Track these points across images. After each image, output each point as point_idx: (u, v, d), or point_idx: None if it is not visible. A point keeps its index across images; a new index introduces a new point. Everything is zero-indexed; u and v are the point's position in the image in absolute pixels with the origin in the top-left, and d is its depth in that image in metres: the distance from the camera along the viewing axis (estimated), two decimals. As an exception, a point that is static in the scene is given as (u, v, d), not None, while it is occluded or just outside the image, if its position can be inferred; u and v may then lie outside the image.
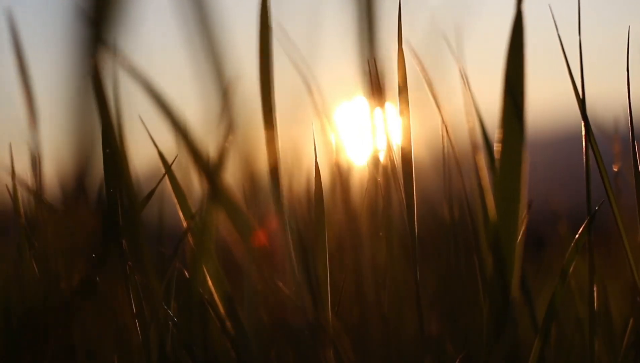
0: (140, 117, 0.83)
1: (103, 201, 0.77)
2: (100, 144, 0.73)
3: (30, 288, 0.84)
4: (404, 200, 0.75)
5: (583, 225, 0.79)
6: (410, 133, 0.75)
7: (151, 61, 0.66)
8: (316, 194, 0.79)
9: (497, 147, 0.68)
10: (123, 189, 0.75)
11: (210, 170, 0.63)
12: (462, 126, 0.78)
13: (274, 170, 0.72)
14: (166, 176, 0.83)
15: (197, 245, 0.80)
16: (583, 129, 0.79)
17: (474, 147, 0.75)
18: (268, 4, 0.72)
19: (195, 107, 0.59)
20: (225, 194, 0.65)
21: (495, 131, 0.69)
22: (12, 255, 0.88)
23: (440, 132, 0.81)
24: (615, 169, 0.93)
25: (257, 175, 0.61)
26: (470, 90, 0.82)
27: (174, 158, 0.83)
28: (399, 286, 0.76)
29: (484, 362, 0.71)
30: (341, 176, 0.75)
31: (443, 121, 0.80)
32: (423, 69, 0.79)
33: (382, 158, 0.76)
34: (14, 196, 0.87)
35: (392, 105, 0.74)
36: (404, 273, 0.76)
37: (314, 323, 0.72)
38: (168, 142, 0.83)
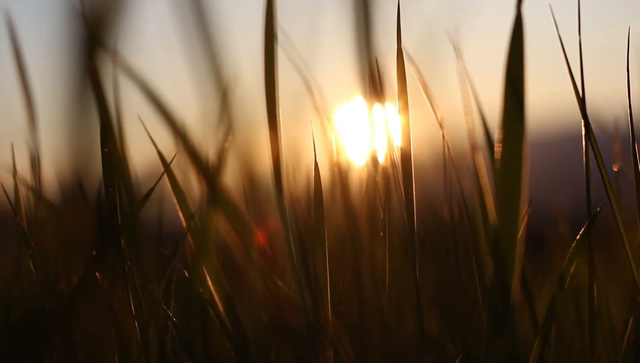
0: (139, 117, 0.83)
1: (102, 200, 0.77)
2: (99, 144, 0.73)
3: (30, 288, 0.84)
4: (404, 200, 0.75)
5: (584, 227, 0.79)
6: (409, 133, 0.75)
7: (150, 62, 0.66)
8: (316, 194, 0.79)
9: (497, 147, 0.68)
10: (122, 188, 0.75)
11: (209, 172, 0.63)
12: (462, 125, 0.78)
13: (277, 170, 0.72)
14: (166, 176, 0.83)
15: (197, 245, 0.80)
16: (583, 128, 0.79)
17: (473, 147, 0.75)
18: (273, 7, 0.72)
19: (194, 108, 0.59)
20: (224, 196, 0.65)
21: (496, 131, 0.69)
22: (12, 255, 0.88)
23: (440, 133, 0.81)
24: (616, 169, 0.93)
25: (256, 175, 0.61)
26: (472, 88, 0.82)
27: (173, 157, 0.83)
28: (399, 286, 0.76)
29: (484, 362, 0.71)
30: (341, 175, 0.75)
31: (439, 122, 0.80)
32: (418, 71, 0.79)
33: (381, 158, 0.76)
34: (15, 196, 0.87)
35: (391, 105, 0.74)
36: (404, 273, 0.76)
37: (314, 323, 0.72)
38: (167, 141, 0.83)
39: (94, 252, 0.70)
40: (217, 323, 0.80)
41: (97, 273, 0.77)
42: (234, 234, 0.68)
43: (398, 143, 0.75)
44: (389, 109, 0.73)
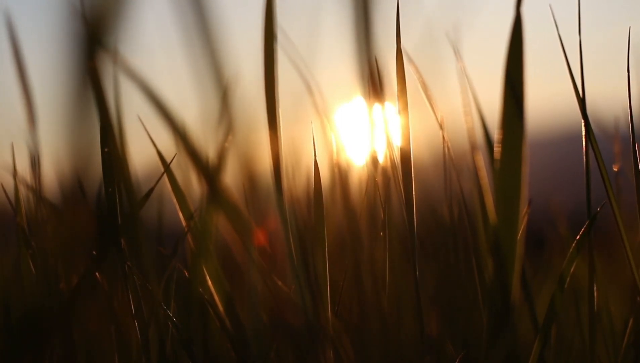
0: (139, 117, 0.83)
1: (102, 200, 0.77)
2: (99, 144, 0.73)
3: (30, 288, 0.84)
4: (404, 200, 0.75)
5: (584, 227, 0.79)
6: (409, 133, 0.75)
7: (150, 62, 0.66)
8: (316, 194, 0.79)
9: (497, 147, 0.68)
10: (122, 188, 0.75)
11: (209, 172, 0.63)
12: (462, 126, 0.78)
13: (277, 170, 0.72)
14: (166, 176, 0.83)
15: (197, 245, 0.80)
16: (583, 128, 0.79)
17: (473, 147, 0.75)
18: (273, 7, 0.72)
19: (194, 108, 0.59)
20: (224, 196, 0.65)
21: (495, 131, 0.69)
22: (12, 255, 0.88)
23: (440, 133, 0.81)
24: (616, 169, 0.93)
25: (256, 175, 0.61)
26: (472, 89, 0.82)
27: (173, 157, 0.83)
28: (399, 286, 0.76)
29: (483, 362, 0.71)
30: (341, 175, 0.75)
31: (439, 122, 0.80)
32: (418, 71, 0.79)
33: (381, 158, 0.76)
34: (16, 196, 0.87)
35: (391, 105, 0.74)
36: (404, 273, 0.76)
37: (314, 323, 0.72)
38: (167, 141, 0.83)
39: (94, 252, 0.70)
40: (217, 323, 0.80)
41: (97, 273, 0.77)
42: (234, 234, 0.68)
43: (398, 143, 0.75)
44: (389, 109, 0.73)
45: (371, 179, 0.78)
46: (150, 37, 0.70)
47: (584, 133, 0.79)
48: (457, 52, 0.82)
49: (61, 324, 0.73)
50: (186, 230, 0.81)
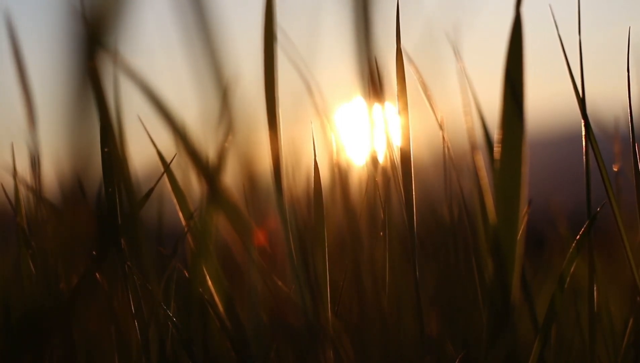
0: (139, 117, 0.83)
1: (102, 200, 0.77)
2: (99, 144, 0.73)
3: (30, 288, 0.84)
4: (404, 200, 0.75)
5: (584, 227, 0.79)
6: (409, 133, 0.75)
7: (150, 62, 0.66)
8: (316, 194, 0.79)
9: (497, 147, 0.68)
10: (122, 188, 0.75)
11: (209, 172, 0.63)
12: (462, 126, 0.78)
13: (277, 170, 0.72)
14: (166, 176, 0.83)
15: (197, 245, 0.80)
16: (583, 128, 0.79)
17: (473, 147, 0.75)
18: (273, 7, 0.72)
19: (194, 108, 0.59)
20: (224, 196, 0.65)
21: (495, 131, 0.69)
22: (12, 255, 0.88)
23: (440, 133, 0.81)
24: (616, 169, 0.93)
25: (256, 175, 0.61)
26: (472, 89, 0.82)
27: (173, 157, 0.83)
28: (399, 286, 0.76)
29: (483, 362, 0.71)
30: (341, 175, 0.75)
31: (439, 122, 0.80)
32: (418, 71, 0.79)
33: (381, 158, 0.76)
34: (16, 196, 0.87)
35: (391, 105, 0.74)
36: (404, 273, 0.76)
37: (314, 323, 0.72)
38: (167, 141, 0.83)
39: (94, 252, 0.70)
40: (217, 323, 0.80)
41: (97, 273, 0.77)
42: (234, 234, 0.68)
43: (398, 143, 0.75)
44: (389, 109, 0.73)
45: (371, 179, 0.78)
46: (150, 37, 0.70)
47: (584, 133, 0.79)
48: (457, 52, 0.82)
49: (61, 324, 0.73)
50: (186, 230, 0.81)
